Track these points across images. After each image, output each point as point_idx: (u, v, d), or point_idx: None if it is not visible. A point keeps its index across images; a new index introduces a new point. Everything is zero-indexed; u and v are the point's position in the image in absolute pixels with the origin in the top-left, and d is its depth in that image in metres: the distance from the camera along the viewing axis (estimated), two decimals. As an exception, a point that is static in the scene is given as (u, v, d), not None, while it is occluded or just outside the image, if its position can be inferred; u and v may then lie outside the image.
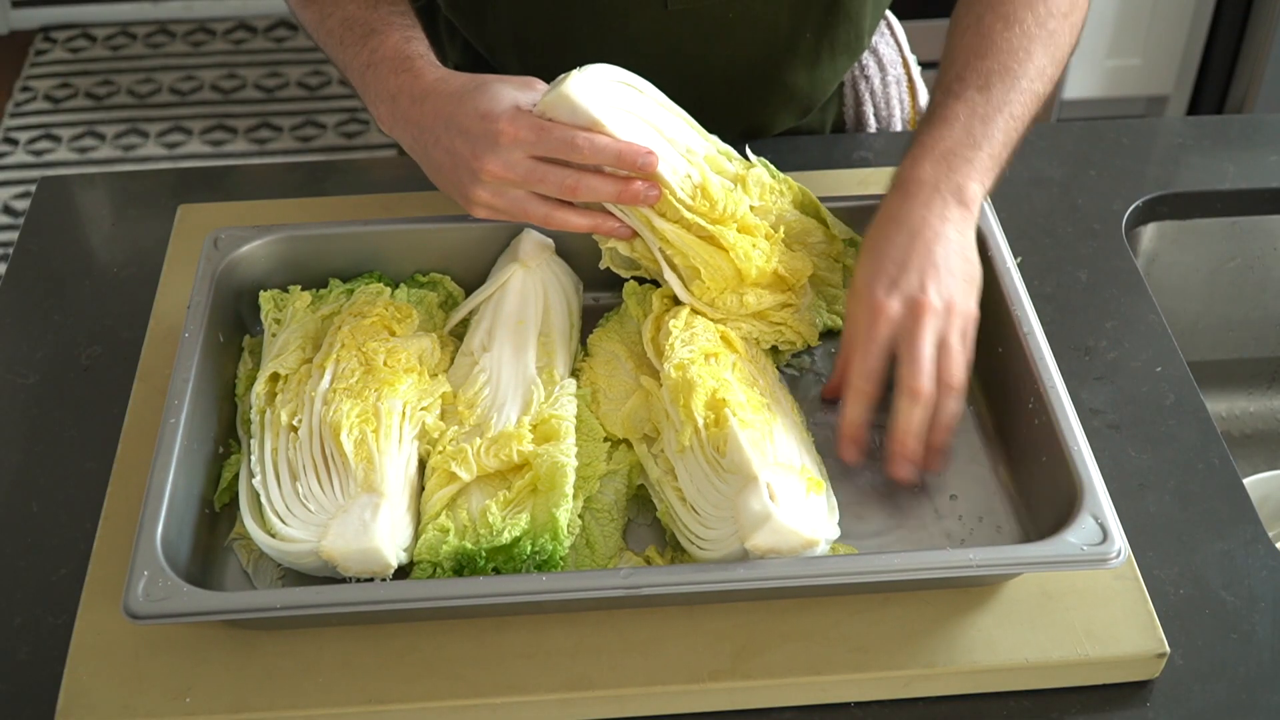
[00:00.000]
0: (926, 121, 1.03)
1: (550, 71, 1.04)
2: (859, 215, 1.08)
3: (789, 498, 0.88)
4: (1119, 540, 0.85)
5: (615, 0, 1.14)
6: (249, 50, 3.40)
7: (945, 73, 1.07)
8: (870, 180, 1.22)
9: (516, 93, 0.98)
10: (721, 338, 1.01)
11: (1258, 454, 1.38)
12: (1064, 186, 1.28)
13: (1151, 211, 1.28)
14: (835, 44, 1.23)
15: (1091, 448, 0.91)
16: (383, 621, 0.89)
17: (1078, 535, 0.86)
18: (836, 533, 0.90)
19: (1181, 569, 0.96)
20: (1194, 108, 2.89)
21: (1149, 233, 1.29)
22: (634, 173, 0.97)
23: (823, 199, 1.11)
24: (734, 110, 1.00)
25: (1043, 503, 0.94)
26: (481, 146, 0.96)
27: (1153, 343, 1.12)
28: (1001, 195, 1.25)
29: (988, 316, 1.05)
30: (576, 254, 1.10)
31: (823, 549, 0.88)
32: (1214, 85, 2.81)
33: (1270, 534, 1.01)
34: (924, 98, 1.39)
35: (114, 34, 3.46)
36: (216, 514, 0.96)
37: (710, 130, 1.06)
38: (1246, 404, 1.41)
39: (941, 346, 0.93)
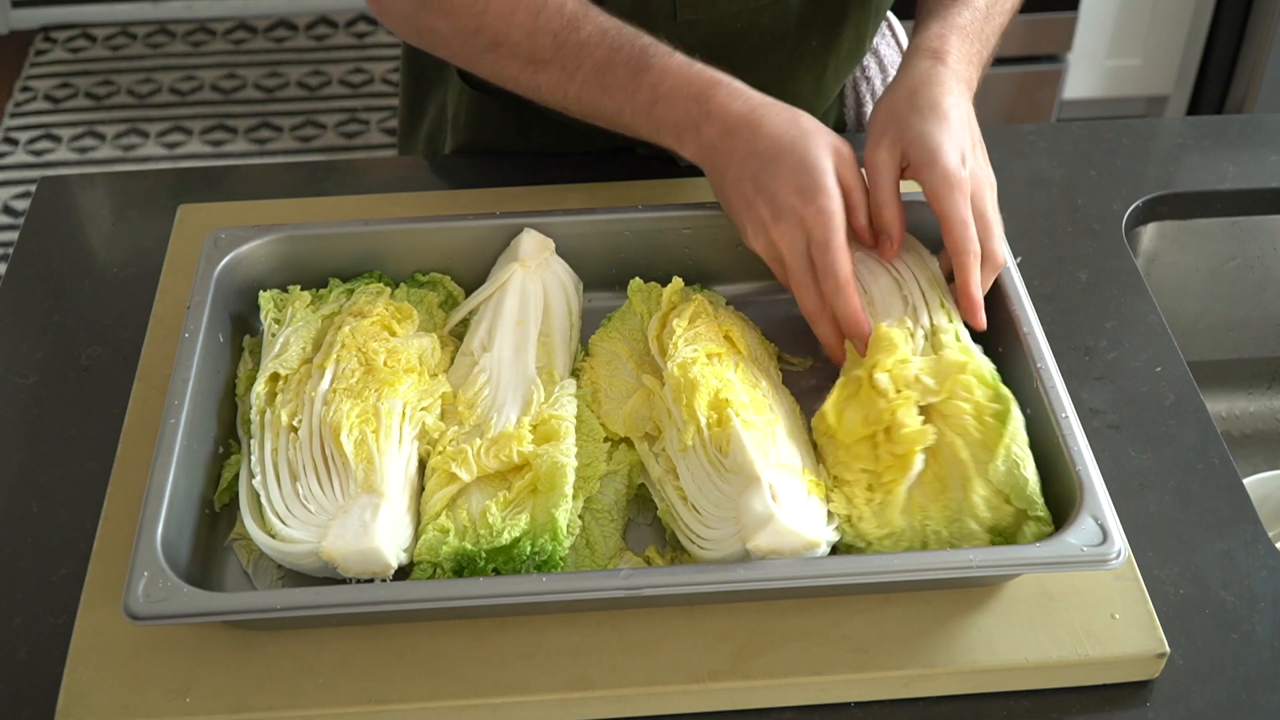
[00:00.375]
0: (947, 6, 1.08)
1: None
2: (859, 215, 1.08)
3: (791, 499, 0.88)
4: (1119, 541, 0.85)
5: (626, 12, 1.14)
6: (249, 50, 3.40)
7: None
8: (870, 180, 1.22)
9: (830, 162, 0.97)
10: (725, 337, 1.01)
11: (1258, 454, 1.38)
12: (1064, 186, 1.28)
13: (1151, 211, 1.28)
14: (840, 50, 1.23)
15: (1091, 448, 0.91)
16: (383, 622, 0.90)
17: (1078, 536, 0.86)
18: (836, 536, 0.90)
19: (1181, 569, 0.96)
20: (1194, 108, 2.89)
21: (1149, 233, 1.29)
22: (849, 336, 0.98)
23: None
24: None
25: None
26: (778, 215, 0.96)
27: (1153, 343, 1.12)
28: (1001, 195, 1.25)
29: (988, 316, 1.05)
30: (576, 254, 1.10)
31: (823, 551, 0.88)
32: (1214, 85, 2.81)
33: (1270, 534, 1.01)
34: None
35: (114, 34, 3.46)
36: (216, 514, 0.96)
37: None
38: (1246, 404, 1.41)
39: (981, 218, 1.00)
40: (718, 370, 0.96)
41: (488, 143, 1.30)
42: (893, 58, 1.36)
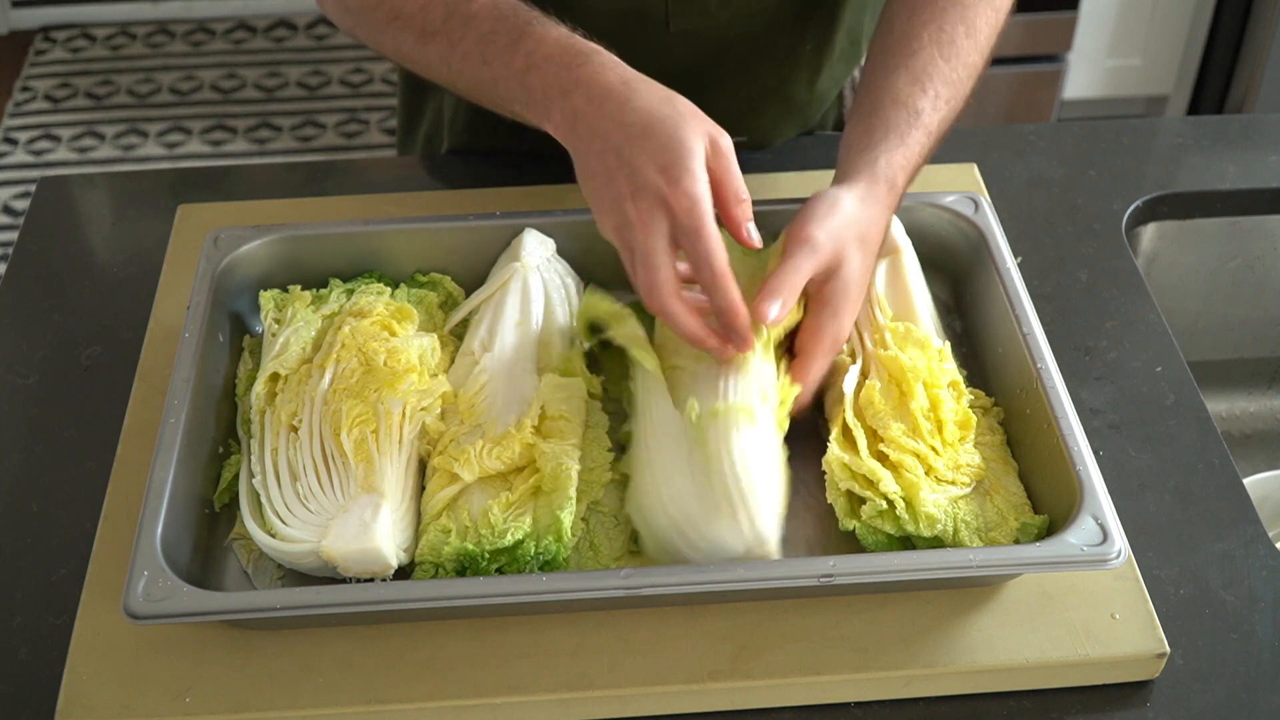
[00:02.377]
0: (901, 105, 1.02)
1: None
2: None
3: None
4: (1119, 541, 0.85)
5: (618, 22, 1.14)
6: (249, 50, 3.40)
7: (910, 49, 1.04)
8: (870, 180, 1.22)
9: (701, 145, 0.90)
10: None
11: (1258, 454, 1.38)
12: (1064, 186, 1.28)
13: (1151, 211, 1.28)
14: (834, 54, 1.23)
15: (1091, 448, 0.91)
16: (383, 621, 0.90)
17: (1078, 536, 0.86)
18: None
19: (1181, 569, 0.96)
20: (1194, 108, 2.89)
21: (1149, 233, 1.29)
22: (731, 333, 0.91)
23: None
24: (736, 125, 1.00)
25: (1043, 503, 0.94)
26: (638, 191, 0.89)
27: (1153, 343, 1.12)
28: (1002, 195, 1.25)
29: (988, 316, 1.05)
30: (576, 254, 1.10)
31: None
32: (1214, 85, 2.81)
33: (1270, 534, 1.01)
34: None
35: (114, 34, 3.46)
36: (216, 514, 0.96)
37: None
38: (1246, 404, 1.41)
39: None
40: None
41: (484, 144, 1.30)
42: None
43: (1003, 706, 0.89)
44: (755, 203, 0.99)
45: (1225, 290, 1.34)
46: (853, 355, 0.99)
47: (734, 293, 0.89)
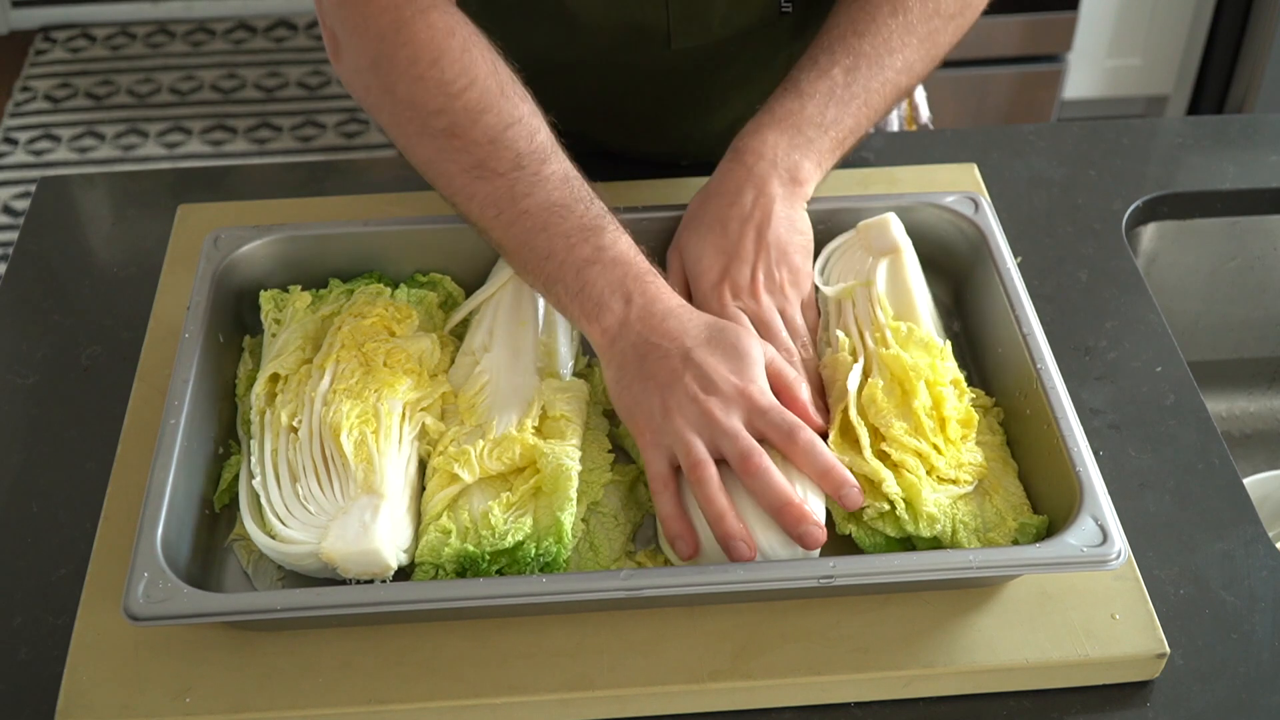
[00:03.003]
0: (784, 88, 1.04)
1: (549, 99, 1.02)
2: (858, 215, 1.08)
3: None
4: (1119, 541, 0.85)
5: (620, 38, 1.14)
6: (249, 50, 3.40)
7: (820, 40, 1.06)
8: (870, 180, 1.22)
9: (761, 352, 0.93)
10: None
11: (1258, 454, 1.38)
12: (1064, 186, 1.28)
13: (1151, 211, 1.28)
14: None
15: (1091, 448, 0.91)
16: (383, 622, 0.89)
17: (1078, 536, 0.86)
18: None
19: (1181, 569, 0.96)
20: (1194, 108, 2.89)
21: (1149, 233, 1.29)
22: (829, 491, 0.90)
23: (823, 199, 1.12)
24: (731, 131, 1.01)
25: (1043, 503, 0.94)
26: (710, 388, 0.90)
27: (1153, 343, 1.12)
28: (1001, 195, 1.25)
29: (988, 316, 1.05)
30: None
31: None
32: (1214, 85, 2.81)
33: (1270, 534, 1.01)
34: (919, 95, 1.39)
35: (114, 34, 3.46)
36: (216, 515, 0.96)
37: (712, 154, 1.07)
38: (1246, 404, 1.41)
39: (786, 320, 1.00)
40: None
41: None
42: None
43: (1003, 706, 0.89)
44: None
45: (1225, 290, 1.34)
46: (854, 354, 0.99)
47: (824, 456, 0.89)
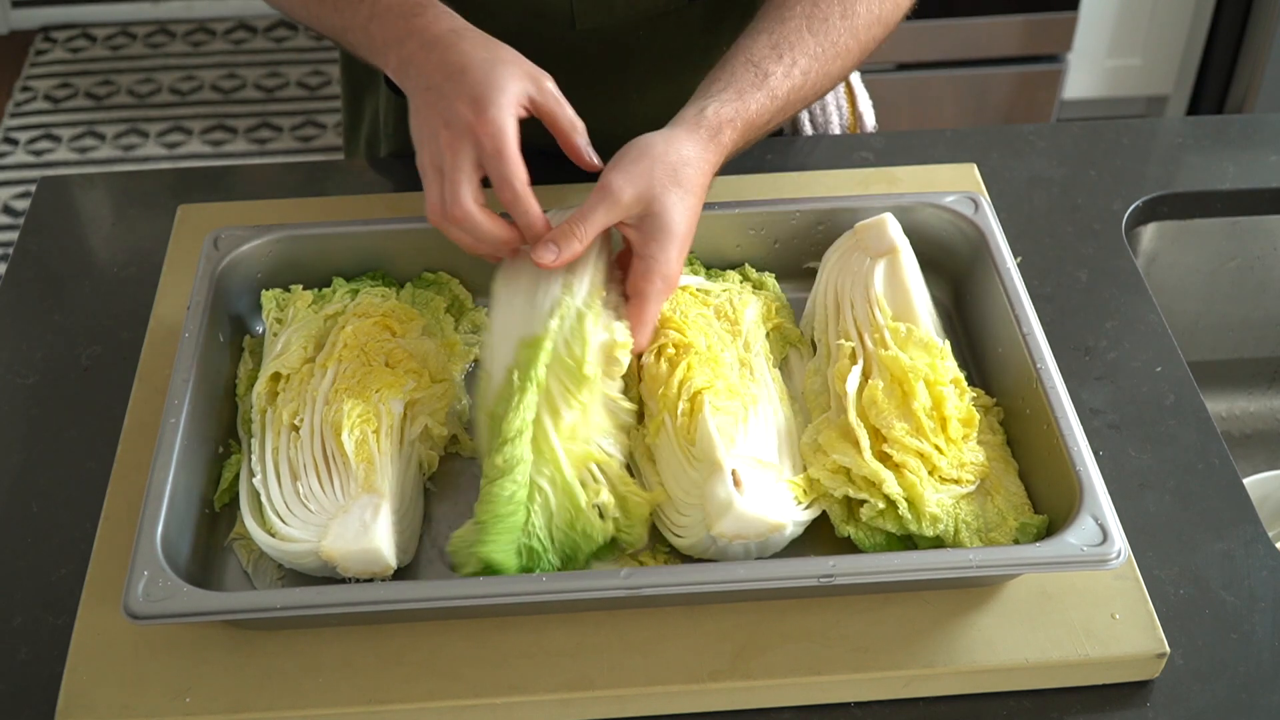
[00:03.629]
0: (751, 65, 1.02)
1: None
2: (857, 215, 1.08)
3: (754, 484, 0.89)
4: (1119, 541, 0.85)
5: (524, 21, 1.14)
6: (249, 50, 3.40)
7: (780, 16, 1.05)
8: (870, 180, 1.22)
9: (516, 85, 0.95)
10: (717, 313, 1.02)
11: (1258, 454, 1.38)
12: (1064, 186, 1.28)
13: (1151, 211, 1.28)
14: None
15: (1091, 448, 0.91)
16: (383, 622, 0.89)
17: (1078, 536, 0.86)
18: (806, 517, 0.91)
19: (1181, 569, 0.96)
20: (1194, 108, 2.89)
21: (1149, 233, 1.29)
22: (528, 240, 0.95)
23: (823, 199, 1.12)
24: (655, 125, 1.00)
25: (1043, 503, 0.94)
26: (450, 123, 0.94)
27: (1153, 343, 1.12)
28: (1001, 195, 1.25)
29: (988, 316, 1.05)
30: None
31: (791, 532, 0.90)
32: (1214, 85, 2.82)
33: (1270, 534, 1.01)
34: (862, 102, 1.38)
35: (114, 34, 3.46)
36: (216, 514, 0.96)
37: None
38: (1246, 404, 1.41)
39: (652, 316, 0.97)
40: (697, 358, 0.97)
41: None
42: None
43: (1003, 706, 0.89)
44: None
45: (1225, 290, 1.34)
46: (853, 356, 0.99)
47: (535, 208, 0.94)
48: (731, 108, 1.00)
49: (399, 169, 1.30)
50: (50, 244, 1.24)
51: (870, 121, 1.40)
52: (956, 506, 0.91)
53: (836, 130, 1.36)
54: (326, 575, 0.91)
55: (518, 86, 0.95)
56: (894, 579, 0.86)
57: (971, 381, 1.02)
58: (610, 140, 1.25)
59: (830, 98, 1.34)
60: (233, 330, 1.06)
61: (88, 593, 0.92)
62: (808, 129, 1.34)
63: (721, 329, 1.02)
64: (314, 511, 0.91)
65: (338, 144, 3.11)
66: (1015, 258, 1.06)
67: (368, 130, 1.38)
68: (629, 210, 0.95)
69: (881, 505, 0.90)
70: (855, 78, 1.36)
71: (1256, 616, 0.93)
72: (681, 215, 0.96)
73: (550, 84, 0.97)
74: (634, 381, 1.00)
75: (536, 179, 1.23)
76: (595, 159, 0.98)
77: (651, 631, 0.89)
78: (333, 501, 0.91)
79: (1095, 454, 0.92)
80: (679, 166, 0.96)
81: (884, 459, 0.93)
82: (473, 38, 0.97)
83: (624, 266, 0.99)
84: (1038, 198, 1.26)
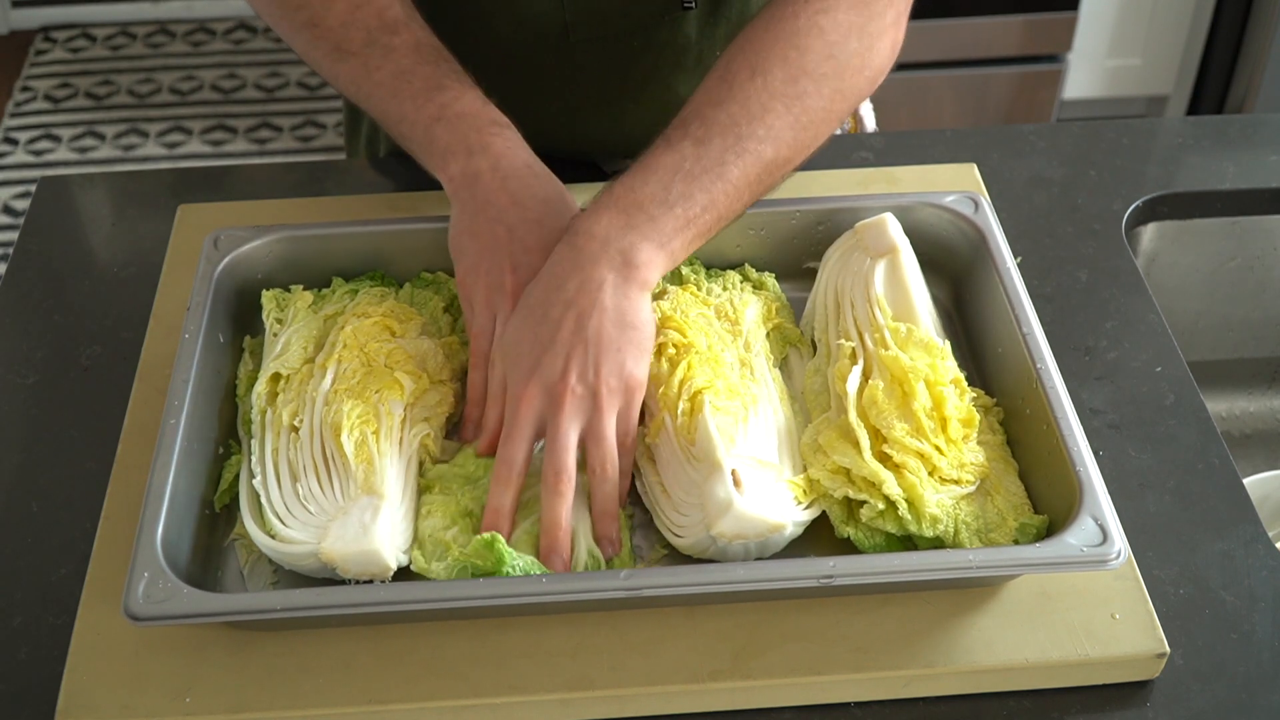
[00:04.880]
0: (632, 167, 0.96)
1: None
2: (858, 215, 1.08)
3: (754, 484, 0.89)
4: (1119, 541, 0.85)
5: (520, 32, 1.14)
6: (249, 50, 3.40)
7: (678, 114, 0.98)
8: (870, 180, 1.22)
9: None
10: (717, 313, 1.02)
11: (1258, 454, 1.38)
12: (1064, 186, 1.28)
13: (1151, 211, 1.28)
14: None
15: (1091, 448, 0.91)
16: (383, 622, 0.89)
17: (1077, 536, 0.86)
18: (805, 517, 0.91)
19: (1181, 569, 0.96)
20: (1194, 108, 2.89)
21: (1149, 233, 1.29)
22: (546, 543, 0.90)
23: (823, 199, 1.12)
24: (650, 131, 0.99)
25: (1043, 503, 0.94)
26: (519, 268, 0.95)
27: (1153, 343, 1.12)
28: (1001, 195, 1.25)
29: (988, 316, 1.05)
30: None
31: (791, 533, 0.90)
32: (1214, 85, 2.82)
33: (1270, 534, 1.01)
34: (864, 108, 1.38)
35: (114, 34, 3.46)
36: (216, 515, 0.96)
37: (627, 155, 1.05)
38: (1246, 404, 1.41)
39: (590, 433, 0.90)
40: (697, 357, 0.97)
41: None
42: None
43: (1003, 706, 0.89)
44: None
45: (1225, 290, 1.34)
46: (853, 356, 0.99)
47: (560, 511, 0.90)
48: (597, 200, 0.96)
49: (399, 169, 1.30)
50: (50, 244, 1.24)
51: (870, 124, 1.40)
52: (956, 507, 0.91)
53: (836, 132, 1.36)
54: (326, 576, 0.91)
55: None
56: (894, 579, 0.86)
57: (971, 381, 1.02)
58: (606, 148, 1.25)
59: None
60: (233, 330, 1.06)
61: (88, 593, 0.92)
62: None
63: (722, 329, 1.02)
64: (314, 513, 0.91)
65: (338, 144, 3.11)
66: (1015, 258, 1.06)
67: (368, 130, 1.38)
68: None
69: (881, 506, 0.90)
70: None
71: (1256, 616, 0.93)
72: (520, 309, 0.94)
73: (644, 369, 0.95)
74: None
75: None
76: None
77: (651, 632, 0.89)
78: (332, 503, 0.91)
79: (1095, 454, 0.92)
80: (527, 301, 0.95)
81: (884, 459, 0.93)
82: (547, 180, 0.98)
83: None
84: (1038, 198, 1.26)
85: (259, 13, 1.11)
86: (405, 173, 1.29)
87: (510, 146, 0.99)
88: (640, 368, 0.92)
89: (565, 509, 0.89)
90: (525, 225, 0.96)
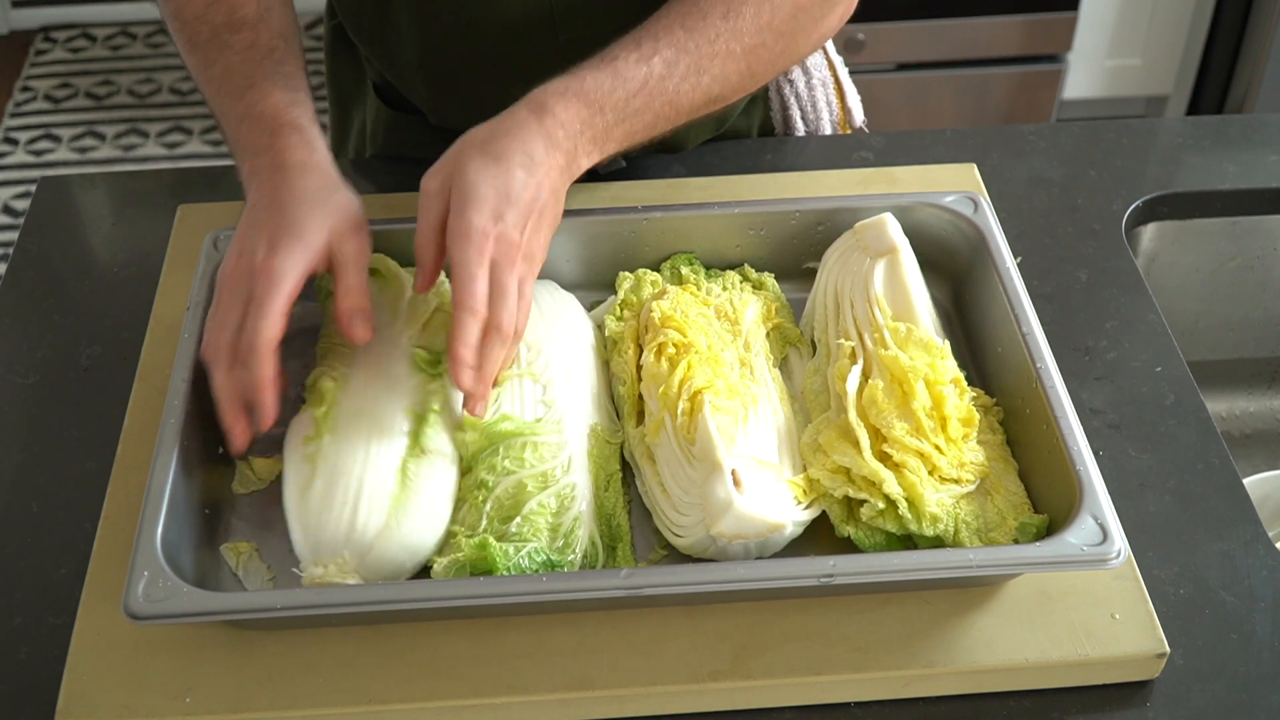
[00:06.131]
0: (601, 60, 0.99)
1: (455, 96, 1.01)
2: (857, 215, 1.08)
3: (754, 484, 0.90)
4: (1119, 540, 0.85)
5: (509, 32, 1.14)
6: (249, 50, 3.40)
7: (647, 24, 1.02)
8: (871, 180, 1.22)
9: (319, 235, 0.93)
10: (717, 313, 1.03)
11: (1258, 454, 1.38)
12: (1064, 186, 1.28)
13: (1151, 211, 1.28)
14: None
15: (1091, 448, 0.91)
16: (383, 622, 0.89)
17: (1078, 535, 0.86)
18: (805, 517, 0.92)
19: (1181, 569, 0.96)
20: (1194, 108, 2.90)
21: (1149, 233, 1.29)
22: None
23: (822, 199, 1.12)
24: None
25: (1043, 503, 0.94)
26: (241, 252, 0.93)
27: (1153, 343, 1.12)
28: (1001, 195, 1.25)
29: (988, 316, 1.05)
30: (577, 254, 1.10)
31: (791, 532, 0.90)
32: (1214, 85, 2.82)
33: (1270, 534, 1.01)
34: (852, 100, 1.38)
35: (114, 34, 3.46)
36: (216, 514, 0.96)
37: (620, 155, 1.06)
38: (1246, 404, 1.41)
39: (495, 284, 0.91)
40: (697, 357, 0.97)
41: (404, 157, 1.32)
42: (816, 59, 1.32)
43: (1003, 706, 0.89)
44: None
45: (1225, 290, 1.34)
46: (853, 356, 0.99)
47: (266, 371, 0.90)
48: (562, 83, 0.97)
49: (393, 170, 1.31)
50: (50, 244, 1.24)
51: (859, 116, 1.40)
52: (956, 506, 0.91)
53: (827, 126, 1.36)
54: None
55: (320, 238, 0.93)
56: (894, 579, 0.86)
57: (971, 381, 1.02)
58: None
59: (820, 94, 1.34)
60: (233, 330, 1.06)
61: (88, 593, 0.92)
62: (800, 128, 1.34)
63: (722, 329, 1.02)
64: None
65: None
66: (1015, 258, 1.06)
67: (357, 131, 1.39)
68: (441, 199, 0.93)
69: (881, 505, 0.90)
70: (843, 73, 1.37)
71: (1256, 616, 0.93)
72: (482, 177, 0.92)
73: (354, 244, 0.95)
74: (634, 381, 1.01)
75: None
76: (362, 334, 0.95)
77: (652, 631, 0.89)
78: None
79: (1095, 454, 0.92)
80: (487, 139, 0.94)
81: (884, 459, 0.93)
82: (317, 178, 0.96)
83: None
84: (1038, 198, 1.26)
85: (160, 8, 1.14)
86: (394, 174, 1.30)
87: (292, 146, 0.98)
88: (537, 238, 0.96)
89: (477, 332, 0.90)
90: (267, 209, 0.94)
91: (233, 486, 0.99)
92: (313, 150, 0.99)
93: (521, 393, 0.98)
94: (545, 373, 0.99)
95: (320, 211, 0.94)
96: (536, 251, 0.95)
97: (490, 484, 0.92)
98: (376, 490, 0.90)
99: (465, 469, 0.95)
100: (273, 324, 0.90)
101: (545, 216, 0.94)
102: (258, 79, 1.03)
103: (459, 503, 0.93)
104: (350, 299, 0.94)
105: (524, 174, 0.92)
